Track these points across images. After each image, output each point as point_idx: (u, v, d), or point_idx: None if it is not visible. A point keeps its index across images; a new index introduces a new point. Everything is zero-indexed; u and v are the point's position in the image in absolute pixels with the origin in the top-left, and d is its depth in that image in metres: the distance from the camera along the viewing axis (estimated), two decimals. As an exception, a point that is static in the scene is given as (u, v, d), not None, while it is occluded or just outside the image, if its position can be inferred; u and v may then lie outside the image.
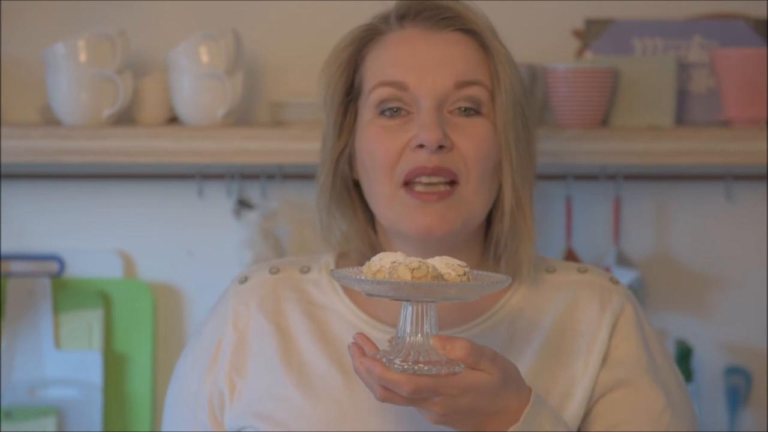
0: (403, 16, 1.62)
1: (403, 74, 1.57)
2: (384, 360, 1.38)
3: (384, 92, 1.58)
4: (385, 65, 1.59)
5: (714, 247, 2.33)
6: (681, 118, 2.23)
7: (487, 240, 1.65)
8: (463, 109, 1.58)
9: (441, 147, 1.54)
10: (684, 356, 2.26)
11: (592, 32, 2.23)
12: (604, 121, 2.20)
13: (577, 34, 2.26)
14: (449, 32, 1.60)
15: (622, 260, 2.27)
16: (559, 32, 2.28)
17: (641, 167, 2.29)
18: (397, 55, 1.59)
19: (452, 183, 1.56)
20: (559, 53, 2.26)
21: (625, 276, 2.19)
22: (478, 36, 1.60)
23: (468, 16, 1.60)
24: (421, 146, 1.55)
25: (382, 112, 1.59)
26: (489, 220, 1.64)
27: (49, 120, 2.22)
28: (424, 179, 1.55)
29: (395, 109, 1.58)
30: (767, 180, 2.30)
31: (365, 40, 1.63)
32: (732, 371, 2.31)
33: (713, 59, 2.16)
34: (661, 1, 2.28)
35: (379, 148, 1.57)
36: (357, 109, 1.63)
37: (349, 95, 1.64)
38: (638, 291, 2.20)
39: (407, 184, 1.56)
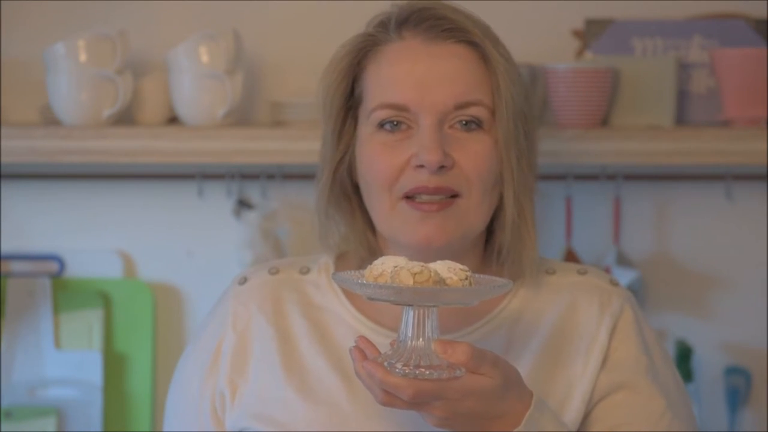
0: (402, 25, 1.58)
1: (404, 96, 1.54)
2: (385, 364, 1.38)
3: (384, 114, 1.56)
4: (385, 84, 1.56)
5: (714, 247, 2.33)
6: (681, 118, 2.22)
7: (490, 247, 1.63)
8: (464, 122, 1.56)
9: (442, 167, 1.53)
10: (684, 356, 2.26)
11: (592, 32, 2.23)
12: (604, 121, 2.20)
13: (577, 34, 2.26)
14: (450, 44, 1.57)
15: (622, 260, 2.27)
16: (559, 32, 2.28)
17: (641, 167, 2.29)
18: (398, 73, 1.56)
19: (453, 196, 1.55)
20: (559, 53, 2.26)
21: (625, 276, 2.19)
22: (479, 47, 1.57)
23: (469, 27, 1.57)
24: (422, 166, 1.53)
25: (382, 126, 1.57)
26: (490, 228, 1.62)
27: (50, 120, 2.22)
28: (425, 197, 1.54)
29: (395, 123, 1.56)
30: (767, 180, 2.30)
31: (365, 50, 1.60)
32: (732, 371, 2.31)
33: (713, 59, 2.16)
34: (661, 1, 2.27)
35: (379, 165, 1.55)
36: (357, 117, 1.61)
37: (349, 102, 1.62)
38: (638, 291, 2.20)
39: (407, 197, 1.55)
